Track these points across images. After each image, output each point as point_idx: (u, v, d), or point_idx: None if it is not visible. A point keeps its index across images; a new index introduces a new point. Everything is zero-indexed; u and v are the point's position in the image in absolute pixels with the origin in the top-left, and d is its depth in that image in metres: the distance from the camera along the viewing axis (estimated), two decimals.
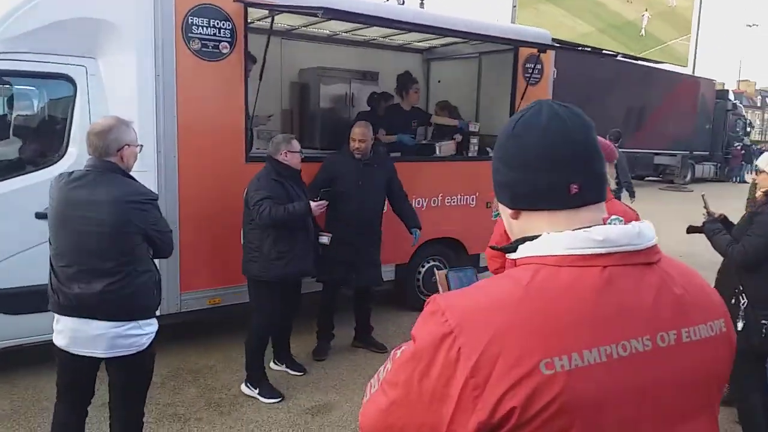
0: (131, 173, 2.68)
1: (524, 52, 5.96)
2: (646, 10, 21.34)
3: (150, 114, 4.05)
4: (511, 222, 1.03)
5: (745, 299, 3.28)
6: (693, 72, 24.51)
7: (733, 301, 3.28)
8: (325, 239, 4.27)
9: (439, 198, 5.71)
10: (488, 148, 6.22)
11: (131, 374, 2.70)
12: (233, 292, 4.53)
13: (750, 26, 39.85)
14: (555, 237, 0.93)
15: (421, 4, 13.59)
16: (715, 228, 3.53)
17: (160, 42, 4.02)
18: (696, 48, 25.06)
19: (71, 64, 3.91)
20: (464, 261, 6.00)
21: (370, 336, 4.89)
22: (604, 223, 0.95)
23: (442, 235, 5.81)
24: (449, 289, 1.23)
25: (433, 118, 6.26)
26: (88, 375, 2.70)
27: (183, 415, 3.71)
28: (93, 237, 2.51)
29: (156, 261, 2.76)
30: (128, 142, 2.62)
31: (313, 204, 3.95)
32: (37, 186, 3.59)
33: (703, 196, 3.82)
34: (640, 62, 19.72)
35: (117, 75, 4.02)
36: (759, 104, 61.74)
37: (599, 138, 1.08)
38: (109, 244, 2.51)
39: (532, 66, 5.94)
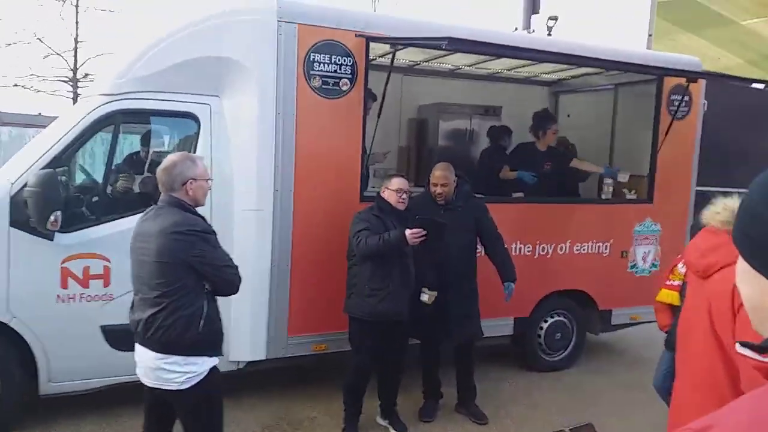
0: (199, 208, 2.75)
1: (669, 82, 5.29)
2: None
3: (269, 152, 3.98)
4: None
5: None
6: None
7: None
8: (425, 297, 3.89)
9: (567, 245, 5.14)
10: (625, 190, 5.59)
11: (182, 412, 2.71)
12: (339, 339, 4.30)
13: None
14: None
15: (549, 33, 13.01)
16: None
17: (282, 80, 3.96)
18: None
19: (196, 103, 3.95)
20: (594, 317, 5.37)
21: (472, 402, 4.38)
22: None
23: (570, 287, 5.22)
24: None
25: (575, 162, 5.63)
26: (156, 404, 2.75)
27: None
28: (145, 266, 2.61)
29: (248, 300, 2.95)
30: (194, 177, 2.66)
31: (408, 232, 3.62)
32: None
33: None
34: None
35: (239, 113, 4.00)
36: None
37: None
38: (154, 274, 2.57)
39: (680, 98, 5.25)
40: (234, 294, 2.83)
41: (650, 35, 16.12)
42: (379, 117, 4.29)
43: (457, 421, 4.25)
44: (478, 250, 4.30)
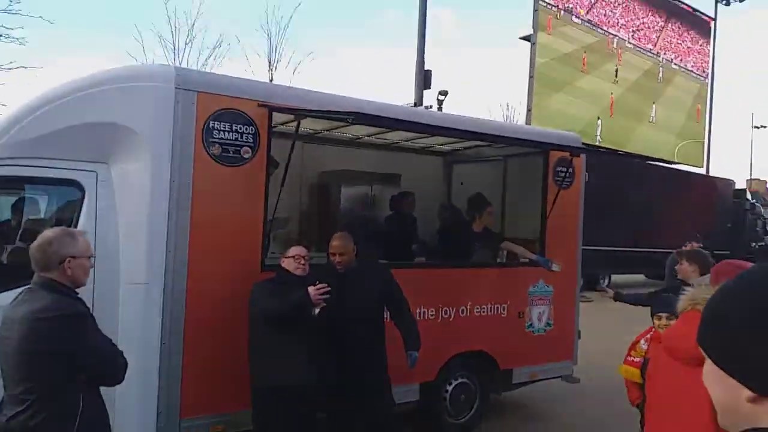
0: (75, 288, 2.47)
1: (555, 155, 5.73)
2: (654, 103, 21.71)
3: (161, 222, 3.76)
4: (739, 403, 0.81)
5: None
6: (707, 171, 24.54)
7: None
8: (316, 309, 3.62)
9: (468, 307, 5.26)
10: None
11: None
12: (239, 419, 4.01)
13: (757, 128, 40.81)
14: None
15: (440, 107, 13.83)
16: None
17: (178, 147, 3.81)
18: (709, 148, 25.24)
19: (81, 170, 3.68)
20: (496, 377, 5.46)
21: None
22: None
23: (472, 348, 5.30)
24: None
25: (507, 245, 5.82)
26: None
27: None
28: (8, 359, 2.34)
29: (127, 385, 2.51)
30: (73, 254, 2.41)
31: (311, 289, 3.53)
32: None
33: None
34: (657, 163, 19.77)
35: (130, 180, 3.78)
36: None
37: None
38: (17, 366, 2.31)
39: (564, 169, 5.69)
40: (118, 383, 2.54)
41: (529, 110, 17.69)
42: (283, 184, 4.24)
43: None
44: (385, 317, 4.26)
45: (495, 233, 5.96)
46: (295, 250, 3.89)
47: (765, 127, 40.45)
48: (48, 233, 2.47)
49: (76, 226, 3.68)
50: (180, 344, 3.82)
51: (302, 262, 3.82)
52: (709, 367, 0.86)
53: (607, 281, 17.49)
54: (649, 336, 3.58)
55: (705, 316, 0.88)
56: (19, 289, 3.42)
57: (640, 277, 20.64)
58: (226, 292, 3.99)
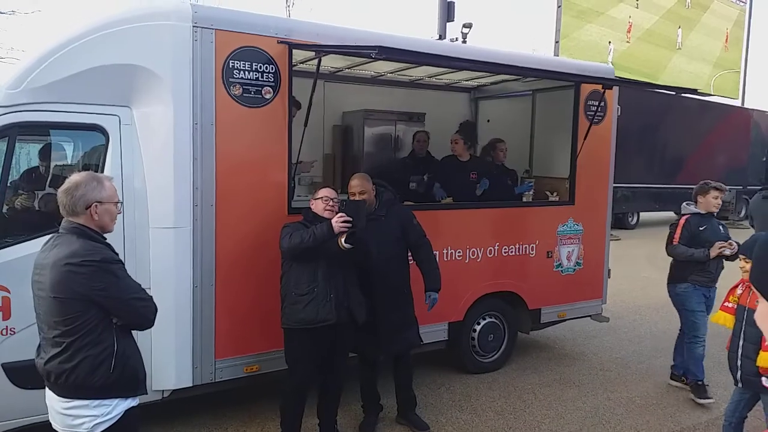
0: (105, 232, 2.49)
1: (586, 89, 5.50)
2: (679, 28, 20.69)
3: (186, 165, 3.73)
4: None
5: None
6: (742, 103, 23.58)
7: None
8: (343, 240, 3.60)
9: (496, 248, 5.21)
10: (547, 192, 5.75)
11: None
12: (272, 358, 4.10)
13: None
14: None
15: (464, 40, 13.33)
16: None
17: (199, 88, 3.72)
18: (745, 79, 24.14)
19: (104, 114, 3.63)
20: (524, 317, 5.47)
21: (413, 412, 4.30)
22: None
23: (500, 289, 5.28)
24: None
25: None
26: None
27: None
28: (42, 303, 2.36)
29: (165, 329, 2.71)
30: (99, 200, 2.40)
31: (333, 220, 3.53)
32: None
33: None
34: (690, 95, 19.04)
35: (152, 124, 3.72)
36: None
37: None
38: (51, 311, 2.32)
39: (596, 103, 5.46)
40: (149, 327, 2.55)
41: (557, 42, 16.98)
42: (305, 125, 4.14)
43: None
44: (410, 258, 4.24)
45: (485, 159, 5.84)
46: (324, 192, 3.83)
47: None
48: (75, 177, 2.43)
49: (102, 171, 3.68)
50: (212, 287, 3.86)
51: (331, 204, 3.78)
52: (763, 306, 0.86)
53: (636, 219, 17.27)
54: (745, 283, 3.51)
55: (757, 256, 0.87)
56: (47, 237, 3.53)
57: (670, 215, 20.33)
58: (254, 235, 4.00)
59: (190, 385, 3.86)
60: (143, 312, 2.44)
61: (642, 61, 19.30)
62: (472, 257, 5.07)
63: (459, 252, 5.00)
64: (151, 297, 2.51)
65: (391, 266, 4.02)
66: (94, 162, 3.76)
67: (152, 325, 2.51)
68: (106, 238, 2.47)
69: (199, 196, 3.78)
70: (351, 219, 3.56)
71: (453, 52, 4.76)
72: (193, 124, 3.72)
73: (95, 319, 2.32)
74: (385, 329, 3.99)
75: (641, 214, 17.51)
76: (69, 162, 4.03)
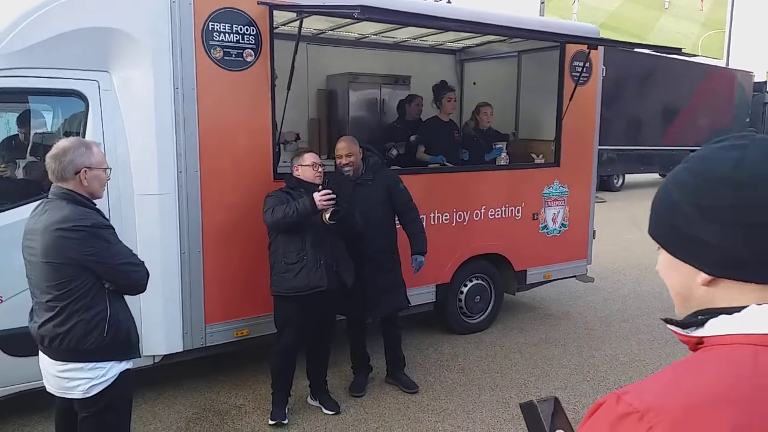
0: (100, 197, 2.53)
1: (571, 49, 5.46)
2: None
3: (169, 131, 3.68)
4: (693, 288, 0.82)
5: None
6: (727, 63, 23.56)
7: None
8: (327, 215, 3.57)
9: (483, 210, 5.24)
10: (533, 155, 5.77)
11: (85, 421, 2.49)
12: (262, 322, 4.15)
13: None
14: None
15: (449, 0, 13.12)
16: None
17: (179, 52, 3.64)
18: (729, 40, 24.06)
19: (82, 79, 3.55)
20: (510, 278, 5.55)
21: (401, 372, 4.38)
22: None
23: (487, 251, 5.34)
24: (541, 423, 0.99)
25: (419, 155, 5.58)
26: (67, 413, 2.56)
27: None
28: (34, 268, 2.39)
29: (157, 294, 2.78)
30: (88, 165, 2.40)
31: (316, 195, 3.53)
32: None
33: None
34: (675, 56, 18.96)
35: (132, 89, 3.65)
36: None
37: None
38: (43, 275, 2.35)
39: (581, 64, 5.44)
40: (141, 292, 2.59)
41: (542, 2, 16.76)
42: (288, 89, 4.09)
43: (387, 392, 4.25)
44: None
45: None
46: (311, 158, 3.80)
47: None
48: (63, 143, 2.42)
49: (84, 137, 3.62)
50: (199, 253, 3.87)
51: (320, 169, 3.76)
52: (663, 256, 0.87)
53: (621, 181, 17.40)
54: None
55: (654, 205, 0.87)
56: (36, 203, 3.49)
57: (655, 176, 20.50)
58: (241, 200, 3.99)
59: (181, 350, 3.89)
60: (135, 277, 2.46)
61: (630, 22, 19.14)
62: (458, 220, 5.10)
63: (446, 215, 5.03)
64: (143, 262, 2.52)
65: (377, 230, 4.04)
66: (74, 129, 3.70)
67: (144, 290, 2.54)
68: (95, 204, 2.47)
69: (183, 162, 3.75)
70: (334, 195, 3.55)
71: (438, 12, 4.69)
72: (174, 88, 3.66)
73: (87, 284, 2.34)
74: (373, 292, 4.03)
75: (627, 176, 17.63)
76: (49, 129, 3.96)
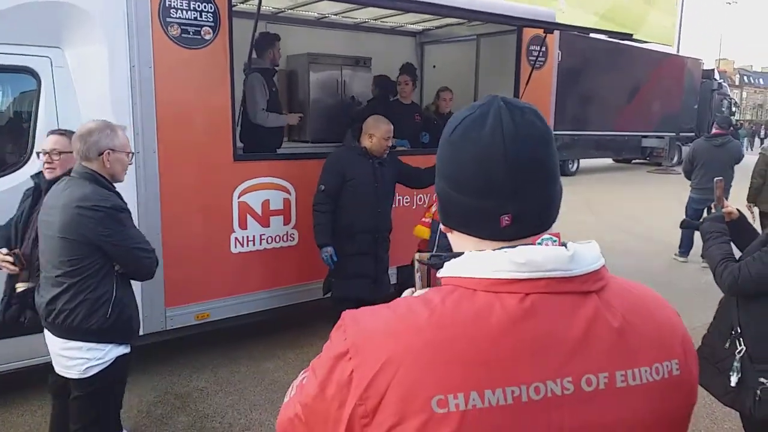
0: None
1: (528, 33, 5.56)
2: None
3: (125, 110, 3.59)
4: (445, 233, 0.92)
5: (742, 345, 2.35)
6: (677, 51, 24.33)
7: (727, 344, 2.41)
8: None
9: None
10: None
11: (77, 399, 2.54)
12: (222, 306, 4.14)
13: (729, 3, 39.88)
14: (474, 256, 0.81)
15: None
16: (714, 230, 2.59)
17: (134, 28, 3.55)
18: (680, 27, 24.85)
19: (33, 55, 3.43)
20: None
21: None
22: (533, 243, 0.81)
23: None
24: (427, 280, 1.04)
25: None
26: (64, 391, 2.63)
27: None
28: (49, 242, 2.43)
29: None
30: (112, 147, 2.46)
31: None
32: None
33: (716, 181, 2.81)
34: (625, 42, 19.47)
35: (87, 67, 3.55)
36: (737, 83, 62.25)
37: None
38: (57, 251, 2.40)
39: (538, 48, 5.55)
40: (149, 279, 2.65)
41: None
42: (248, 69, 4.05)
43: None
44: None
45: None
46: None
47: (737, 2, 39.88)
48: (90, 124, 2.48)
49: (36, 117, 3.52)
50: (158, 235, 3.80)
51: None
52: (452, 236, 0.94)
53: (576, 165, 17.84)
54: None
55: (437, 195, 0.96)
56: None
57: (608, 161, 21.10)
58: (200, 182, 3.94)
59: (140, 333, 3.84)
60: (145, 263, 2.51)
61: (625, 15, 19.59)
62: (419, 203, 5.17)
63: (407, 198, 5.08)
64: (154, 250, 2.57)
65: (388, 212, 4.17)
66: (26, 108, 3.58)
67: (152, 277, 2.61)
68: (115, 187, 2.51)
69: (140, 142, 3.67)
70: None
71: None
72: (130, 66, 3.57)
73: (98, 264, 2.39)
74: (380, 272, 4.14)
75: (581, 160, 18.10)
76: None
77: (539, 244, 0.81)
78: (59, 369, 2.52)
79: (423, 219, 4.07)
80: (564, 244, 0.82)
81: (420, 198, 5.15)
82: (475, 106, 0.85)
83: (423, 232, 4.02)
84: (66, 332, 2.42)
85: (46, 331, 2.51)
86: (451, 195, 0.85)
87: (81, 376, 2.45)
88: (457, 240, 0.88)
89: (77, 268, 2.37)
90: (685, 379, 0.83)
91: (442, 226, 0.91)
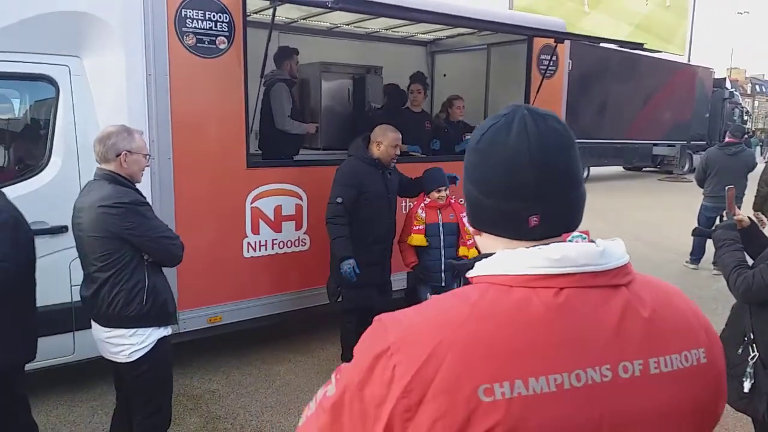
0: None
1: (539, 43, 5.61)
2: None
3: (141, 117, 3.67)
4: (474, 236, 0.98)
5: (755, 351, 2.39)
6: (688, 60, 24.25)
7: (740, 350, 2.44)
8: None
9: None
10: None
11: (130, 384, 2.74)
12: (235, 309, 4.19)
13: (741, 13, 39.67)
14: (508, 255, 0.85)
15: None
16: (727, 238, 2.63)
17: (151, 38, 3.64)
18: (691, 37, 24.78)
19: (52, 64, 3.52)
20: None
21: None
22: (564, 241, 0.87)
23: None
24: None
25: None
26: (118, 376, 2.82)
27: None
28: (82, 243, 2.62)
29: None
30: (129, 149, 2.62)
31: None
32: (15, 202, 3.21)
33: (727, 190, 2.90)
34: (638, 51, 19.45)
35: (104, 75, 3.64)
36: (749, 92, 61.78)
37: None
38: (89, 249, 2.58)
39: (548, 58, 5.59)
40: (177, 264, 2.82)
41: None
42: (262, 77, 4.12)
43: None
44: None
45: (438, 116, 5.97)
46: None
47: (749, 12, 39.73)
48: (109, 128, 2.66)
49: (54, 124, 3.61)
50: None
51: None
52: (479, 239, 0.99)
53: (586, 173, 17.81)
54: (423, 205, 4.17)
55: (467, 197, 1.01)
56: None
57: (618, 169, 21.03)
58: (214, 188, 4.01)
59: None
60: (171, 249, 2.68)
61: (660, 27, 19.75)
62: (403, 212, 5.17)
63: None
64: (178, 236, 2.75)
65: (394, 216, 4.22)
66: (44, 115, 3.67)
67: (179, 261, 2.78)
68: (135, 186, 2.67)
69: (156, 149, 3.75)
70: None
71: (410, 4, 4.76)
72: (146, 75, 3.66)
73: (128, 256, 2.56)
74: (386, 282, 4.19)
75: (592, 168, 18.07)
76: (17, 115, 3.91)
77: (570, 241, 0.86)
78: (107, 354, 2.70)
79: (414, 227, 4.12)
80: (593, 241, 0.86)
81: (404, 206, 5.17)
82: (500, 115, 0.90)
83: (420, 240, 4.09)
84: (109, 321, 2.60)
85: (92, 322, 2.70)
86: (480, 199, 0.90)
87: (128, 360, 2.63)
88: (486, 241, 0.92)
89: (109, 262, 2.54)
90: (712, 367, 0.87)
91: (471, 229, 0.96)
